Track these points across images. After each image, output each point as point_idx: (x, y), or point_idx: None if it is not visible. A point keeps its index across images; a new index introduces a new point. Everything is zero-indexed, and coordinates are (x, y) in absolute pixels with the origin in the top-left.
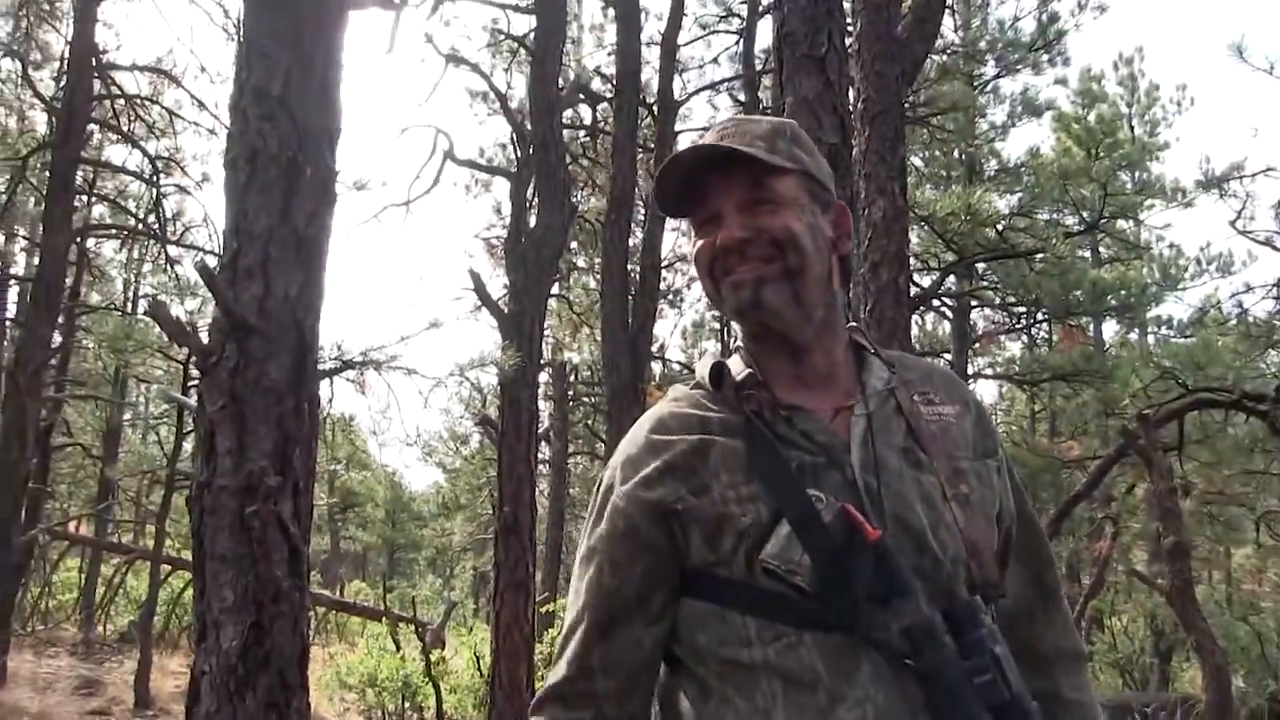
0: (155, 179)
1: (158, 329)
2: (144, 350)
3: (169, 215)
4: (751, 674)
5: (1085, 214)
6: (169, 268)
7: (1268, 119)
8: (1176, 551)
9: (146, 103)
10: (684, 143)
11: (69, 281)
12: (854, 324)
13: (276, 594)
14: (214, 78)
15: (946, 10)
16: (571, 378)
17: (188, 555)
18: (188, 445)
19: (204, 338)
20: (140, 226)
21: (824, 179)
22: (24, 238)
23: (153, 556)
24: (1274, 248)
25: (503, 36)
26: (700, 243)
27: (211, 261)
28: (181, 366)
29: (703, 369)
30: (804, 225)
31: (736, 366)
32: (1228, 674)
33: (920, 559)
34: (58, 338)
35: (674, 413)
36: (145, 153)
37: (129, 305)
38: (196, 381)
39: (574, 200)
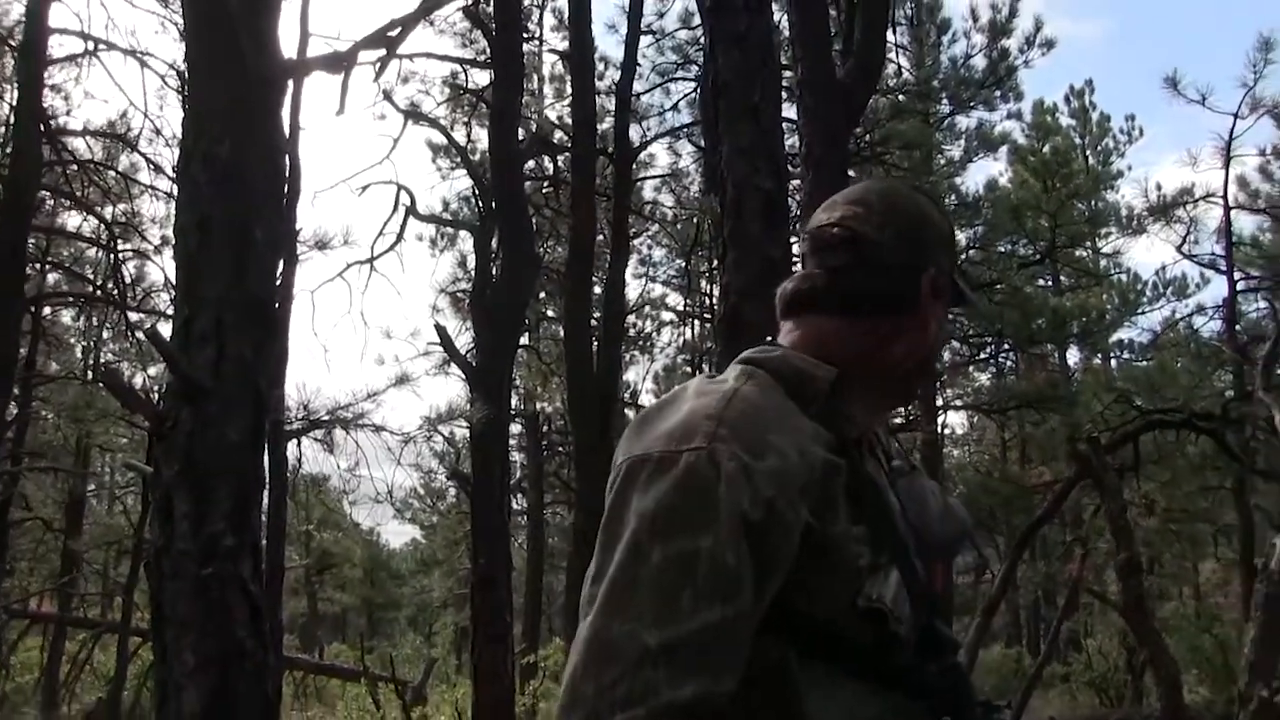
0: (112, 244)
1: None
2: (107, 419)
3: (128, 280)
4: None
5: (1041, 244)
6: (130, 334)
7: (1207, 146)
8: (1128, 568)
9: (100, 168)
10: (649, 189)
11: (24, 351)
12: None
13: (240, 655)
14: (169, 141)
15: (899, 50)
16: (545, 428)
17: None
18: None
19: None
20: (98, 293)
21: None
22: None
23: (121, 629)
24: (1218, 270)
25: (462, 91)
26: (938, 330)
27: (168, 327)
28: (147, 434)
29: (799, 367)
30: None
31: None
32: (1179, 684)
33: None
34: (13, 409)
35: (794, 410)
36: (101, 218)
37: (89, 374)
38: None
39: (538, 251)
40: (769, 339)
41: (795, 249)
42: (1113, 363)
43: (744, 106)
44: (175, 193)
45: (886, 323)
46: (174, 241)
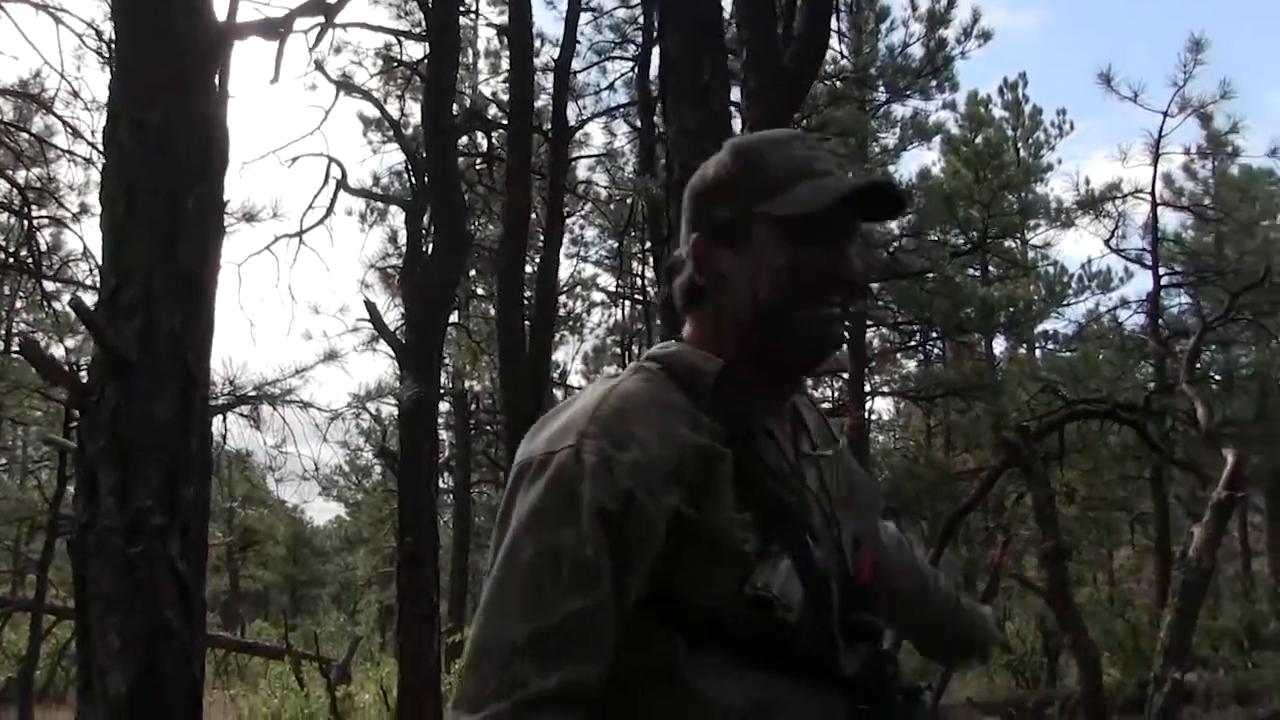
0: (26, 210)
1: (32, 369)
2: (20, 390)
3: (44, 248)
4: (703, 709)
5: (972, 234)
6: (45, 304)
7: (1136, 142)
8: (1053, 555)
9: (12, 129)
10: (583, 168)
11: None
12: None
13: (167, 635)
14: (89, 104)
15: (837, 36)
16: (473, 406)
17: (74, 604)
18: (69, 489)
19: (84, 376)
20: (11, 260)
21: None
22: None
23: (34, 607)
24: (1144, 265)
25: (396, 64)
26: (805, 248)
27: (89, 297)
28: (63, 407)
29: (691, 362)
30: None
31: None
32: (1099, 667)
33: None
34: None
35: (674, 401)
36: (13, 182)
37: (1, 344)
38: (78, 422)
39: (470, 228)
40: (673, 336)
41: None
42: (1037, 353)
43: (694, 87)
44: (94, 158)
45: (705, 311)
46: (100, 209)
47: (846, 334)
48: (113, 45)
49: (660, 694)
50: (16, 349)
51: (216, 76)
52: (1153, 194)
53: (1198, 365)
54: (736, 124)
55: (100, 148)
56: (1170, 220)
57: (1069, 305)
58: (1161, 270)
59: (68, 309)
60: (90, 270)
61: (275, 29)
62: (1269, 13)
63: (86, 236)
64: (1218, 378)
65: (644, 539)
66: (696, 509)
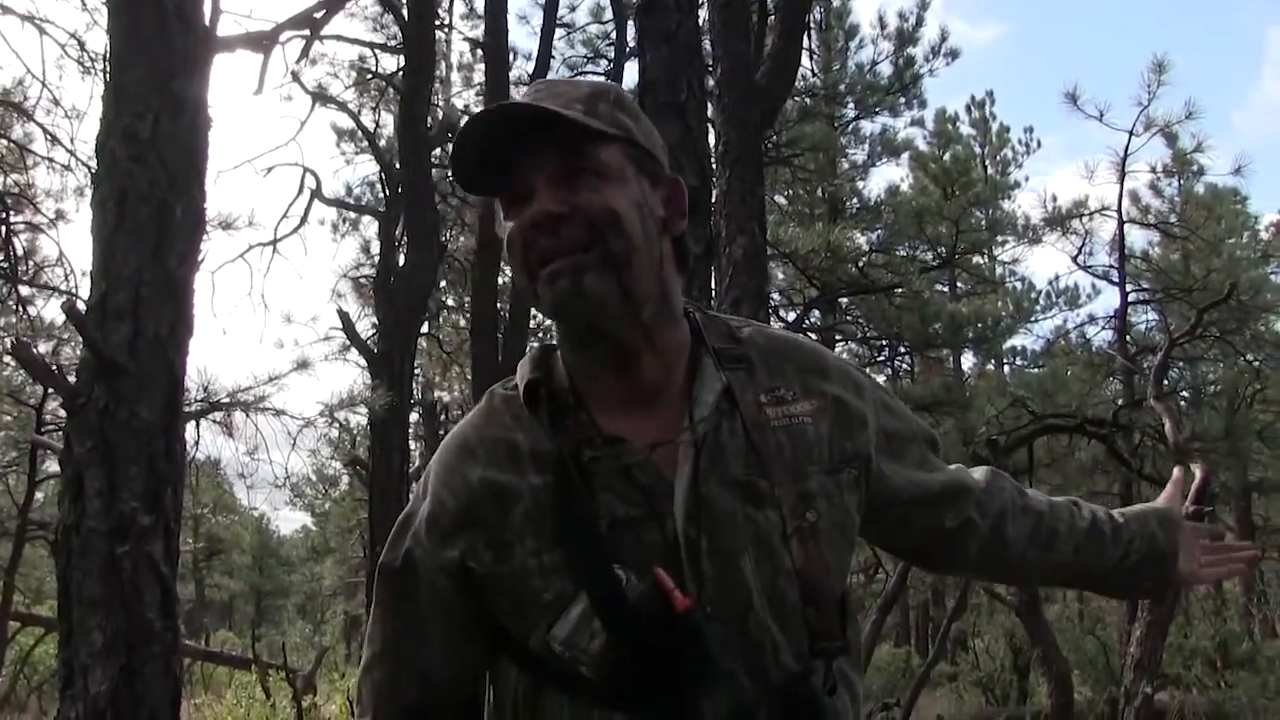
0: (5, 216)
1: (4, 372)
2: None
3: (19, 254)
4: None
5: (941, 250)
6: (20, 308)
7: (1103, 160)
8: None
9: None
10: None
11: None
12: (689, 307)
13: (149, 636)
14: (69, 112)
15: (806, 54)
16: (442, 416)
17: (39, 610)
18: (39, 494)
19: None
20: None
21: (654, 149)
22: None
23: None
24: (1111, 282)
25: (370, 75)
26: (510, 225)
27: (61, 301)
28: (34, 411)
29: (521, 374)
30: (629, 203)
31: (556, 379)
32: (1069, 683)
33: (745, 627)
34: None
35: (483, 437)
36: None
37: None
38: (51, 426)
39: (443, 239)
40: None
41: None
42: (1006, 368)
43: (671, 104)
44: (72, 164)
45: None
46: (90, 215)
47: (592, 281)
48: (94, 55)
49: None
50: (5, 351)
51: (203, 86)
52: (1119, 211)
53: (1165, 381)
54: (712, 138)
55: (78, 155)
56: (1137, 237)
57: (1037, 321)
58: (1129, 287)
59: (45, 314)
60: (65, 275)
61: (262, 42)
62: (1229, 32)
63: (63, 242)
64: (1185, 394)
65: (428, 593)
66: (493, 554)
